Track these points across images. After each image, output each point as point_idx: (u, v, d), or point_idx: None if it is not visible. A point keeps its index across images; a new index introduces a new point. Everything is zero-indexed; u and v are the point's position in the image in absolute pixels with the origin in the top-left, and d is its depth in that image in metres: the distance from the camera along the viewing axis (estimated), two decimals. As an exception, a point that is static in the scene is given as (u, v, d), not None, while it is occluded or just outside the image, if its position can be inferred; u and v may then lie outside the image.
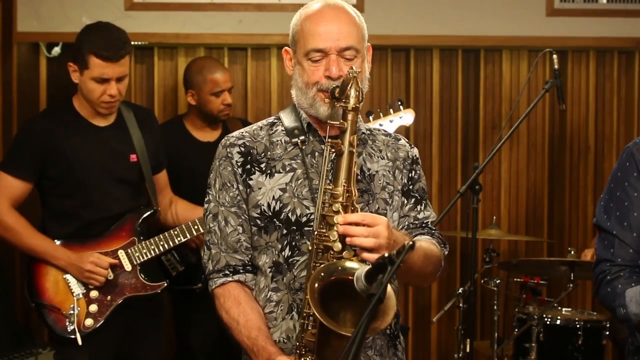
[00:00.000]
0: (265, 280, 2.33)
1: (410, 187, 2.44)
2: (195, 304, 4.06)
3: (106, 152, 3.53)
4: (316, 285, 2.07)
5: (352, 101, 2.21)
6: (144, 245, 3.53)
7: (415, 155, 2.48)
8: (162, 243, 3.56)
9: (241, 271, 2.34)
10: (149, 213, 3.60)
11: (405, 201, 2.42)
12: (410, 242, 1.93)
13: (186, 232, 3.60)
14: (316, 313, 2.03)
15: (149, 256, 3.53)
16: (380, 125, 3.79)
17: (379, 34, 4.62)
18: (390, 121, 3.84)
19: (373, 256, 2.09)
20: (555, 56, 4.20)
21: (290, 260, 2.30)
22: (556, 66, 4.19)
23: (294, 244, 2.29)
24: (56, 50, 4.69)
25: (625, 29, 4.91)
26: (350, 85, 2.20)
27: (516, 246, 5.07)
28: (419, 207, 2.44)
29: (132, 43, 4.67)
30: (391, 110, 3.87)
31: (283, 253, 2.30)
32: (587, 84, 5.06)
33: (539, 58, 4.43)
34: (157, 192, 3.71)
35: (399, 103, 3.90)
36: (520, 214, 5.06)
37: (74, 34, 3.58)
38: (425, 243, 2.33)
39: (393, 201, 2.39)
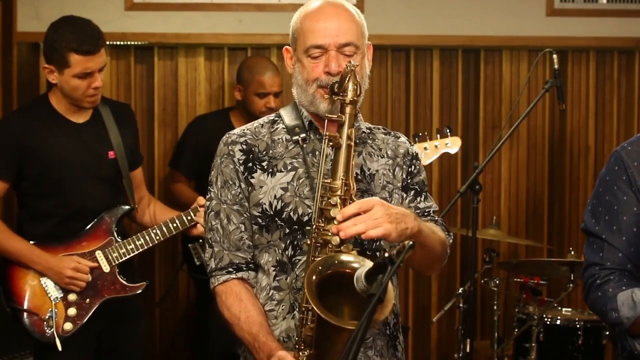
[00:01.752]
0: (267, 279, 2.32)
1: (409, 180, 2.43)
2: None
3: (84, 149, 3.44)
4: (314, 277, 2.07)
5: (349, 94, 2.21)
6: (121, 245, 3.44)
7: (415, 152, 2.48)
8: (140, 242, 3.46)
9: (244, 269, 2.34)
10: (125, 211, 3.51)
11: (405, 195, 2.41)
12: (411, 243, 1.93)
13: (165, 230, 3.49)
14: (313, 306, 2.03)
15: (127, 256, 3.44)
16: (426, 149, 3.81)
17: (379, 33, 4.61)
18: (436, 146, 3.85)
19: (377, 232, 2.07)
20: (555, 56, 4.19)
21: (293, 259, 2.29)
22: (556, 66, 4.18)
23: (295, 243, 2.29)
24: (56, 50, 4.69)
25: (625, 29, 4.92)
26: (348, 79, 2.20)
27: (516, 246, 5.07)
28: (419, 198, 2.43)
29: (132, 43, 4.74)
30: (438, 136, 3.88)
31: (287, 252, 2.29)
32: (587, 84, 5.05)
33: (539, 58, 4.42)
34: (133, 189, 3.60)
35: (447, 130, 3.91)
36: (520, 213, 5.06)
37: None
38: (430, 224, 2.32)
39: (393, 200, 2.38)
